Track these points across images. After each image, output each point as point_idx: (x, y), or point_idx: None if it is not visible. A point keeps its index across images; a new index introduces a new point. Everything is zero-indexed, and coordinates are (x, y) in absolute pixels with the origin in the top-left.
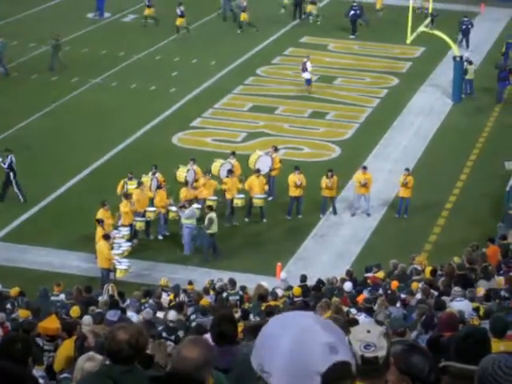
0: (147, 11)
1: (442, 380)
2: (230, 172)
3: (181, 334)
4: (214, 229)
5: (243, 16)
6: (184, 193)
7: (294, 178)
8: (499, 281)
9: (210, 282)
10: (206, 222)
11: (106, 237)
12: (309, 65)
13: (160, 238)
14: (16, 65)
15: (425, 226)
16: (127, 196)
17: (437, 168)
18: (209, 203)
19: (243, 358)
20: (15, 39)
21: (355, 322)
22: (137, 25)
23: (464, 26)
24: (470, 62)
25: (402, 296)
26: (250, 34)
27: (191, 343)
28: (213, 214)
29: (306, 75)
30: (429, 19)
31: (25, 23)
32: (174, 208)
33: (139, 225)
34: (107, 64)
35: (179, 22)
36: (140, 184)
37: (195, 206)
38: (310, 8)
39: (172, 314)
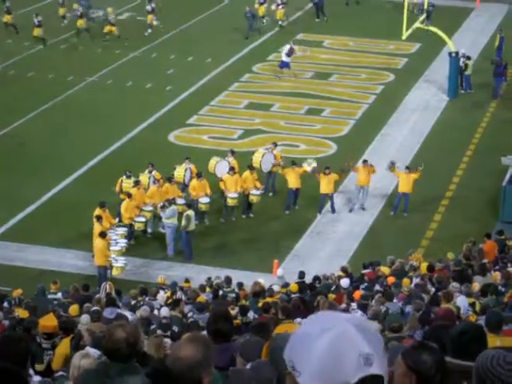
0: (6, 18)
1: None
2: (232, 170)
3: (175, 329)
4: (192, 227)
5: (149, 18)
6: (194, 189)
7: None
8: (495, 276)
9: (207, 279)
10: (184, 220)
11: (102, 234)
12: (298, 52)
13: (162, 230)
14: (12, 63)
15: (421, 221)
16: (129, 195)
17: (433, 164)
18: (200, 205)
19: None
20: (10, 37)
21: None
22: (132, 22)
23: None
24: (469, 57)
25: (404, 290)
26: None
27: (187, 341)
28: (190, 212)
29: (288, 59)
30: (424, 15)
31: (20, 22)
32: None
33: (138, 225)
34: (103, 62)
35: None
36: (137, 183)
37: (180, 201)
38: None
39: (164, 311)
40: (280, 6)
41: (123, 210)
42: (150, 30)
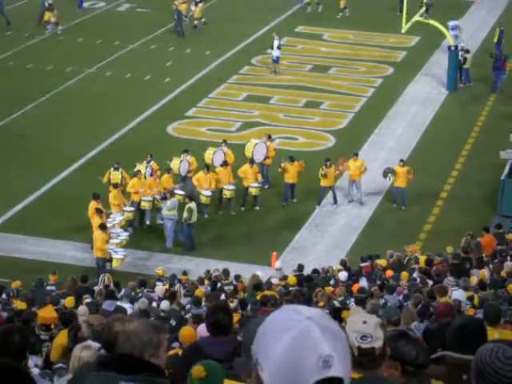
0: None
1: (439, 369)
2: (225, 163)
3: (173, 323)
4: (193, 219)
5: (47, 15)
6: (199, 179)
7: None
8: (482, 273)
9: (206, 272)
10: (186, 213)
11: (103, 226)
12: (275, 42)
13: (160, 221)
14: (11, 54)
15: (420, 214)
16: (116, 186)
17: (432, 157)
18: (202, 198)
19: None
20: (9, 29)
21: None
22: (131, 14)
23: None
24: (467, 51)
25: (403, 283)
26: (245, 24)
27: (142, 321)
28: (192, 205)
29: (278, 52)
30: (424, 8)
31: (19, 13)
32: (158, 196)
33: (127, 215)
34: (102, 53)
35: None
36: (137, 172)
37: (179, 191)
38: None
39: (164, 304)
40: (200, 4)
41: (111, 199)
42: (49, 27)
